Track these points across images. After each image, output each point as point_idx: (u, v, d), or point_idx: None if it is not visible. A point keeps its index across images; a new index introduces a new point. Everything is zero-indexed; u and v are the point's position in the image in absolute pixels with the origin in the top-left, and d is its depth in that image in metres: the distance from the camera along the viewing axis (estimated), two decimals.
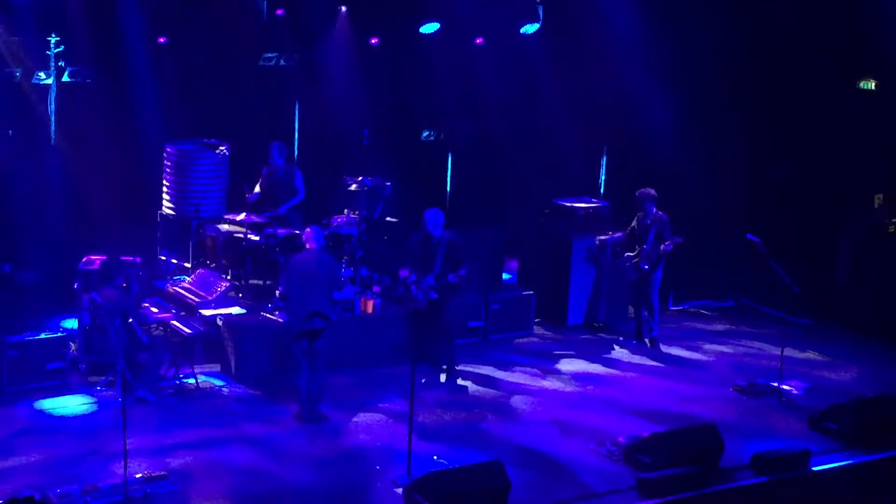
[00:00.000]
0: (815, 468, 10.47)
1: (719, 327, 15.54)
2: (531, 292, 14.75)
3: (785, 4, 15.60)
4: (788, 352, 13.29)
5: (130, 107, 14.10)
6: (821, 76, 15.69)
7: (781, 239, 14.19)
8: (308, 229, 12.05)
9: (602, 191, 17.03)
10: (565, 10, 16.51)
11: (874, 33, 15.30)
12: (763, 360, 14.07)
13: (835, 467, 10.59)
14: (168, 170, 14.76)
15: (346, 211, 14.42)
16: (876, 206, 15.71)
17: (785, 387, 12.93)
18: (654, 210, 14.03)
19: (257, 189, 14.37)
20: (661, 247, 13.85)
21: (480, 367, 13.50)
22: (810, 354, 14.37)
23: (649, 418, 12.03)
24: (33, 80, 14.50)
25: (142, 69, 14.36)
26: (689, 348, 14.50)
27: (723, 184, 16.21)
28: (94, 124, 14.51)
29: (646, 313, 14.28)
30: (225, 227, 14.08)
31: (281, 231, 13.69)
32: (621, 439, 11.25)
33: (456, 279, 12.61)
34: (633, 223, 14.29)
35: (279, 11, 16.07)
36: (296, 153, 16.43)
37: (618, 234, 14.79)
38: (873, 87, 16.12)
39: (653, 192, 14.07)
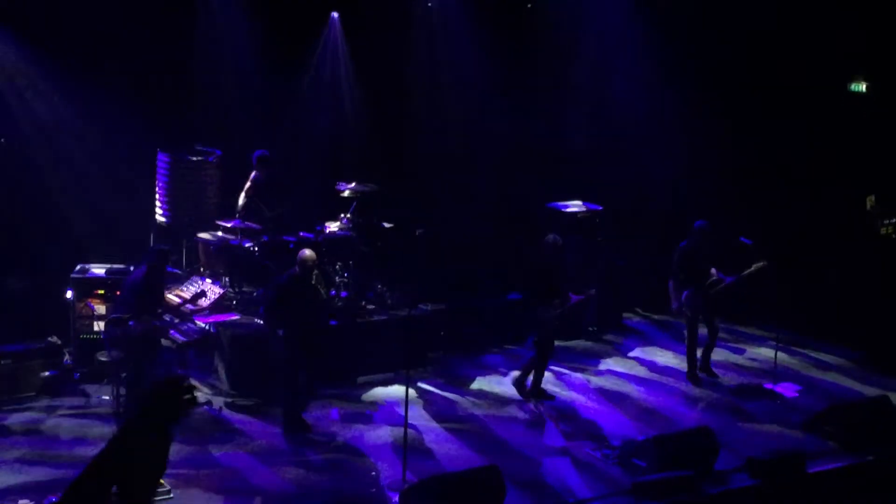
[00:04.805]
0: (810, 471, 10.45)
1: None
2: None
3: (773, 5, 15.59)
4: (782, 355, 13.30)
5: (122, 112, 13.96)
6: (812, 78, 15.66)
7: (773, 242, 14.18)
8: (305, 252, 11.52)
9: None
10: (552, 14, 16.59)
11: (865, 33, 15.29)
12: (757, 363, 14.11)
13: (830, 469, 10.57)
14: (161, 177, 14.71)
15: (340, 216, 14.40)
16: (868, 207, 15.68)
17: (779, 389, 12.95)
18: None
19: (242, 197, 14.32)
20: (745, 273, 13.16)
21: (477, 372, 13.57)
22: (804, 357, 14.41)
23: (644, 422, 12.07)
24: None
25: (129, 73, 14.19)
26: (683, 353, 14.51)
27: (712, 187, 16.19)
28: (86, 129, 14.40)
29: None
30: (218, 233, 14.07)
31: (273, 238, 13.69)
32: (616, 443, 11.28)
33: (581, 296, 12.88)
34: (687, 251, 13.26)
35: None
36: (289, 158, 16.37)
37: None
38: (864, 90, 16.11)
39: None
